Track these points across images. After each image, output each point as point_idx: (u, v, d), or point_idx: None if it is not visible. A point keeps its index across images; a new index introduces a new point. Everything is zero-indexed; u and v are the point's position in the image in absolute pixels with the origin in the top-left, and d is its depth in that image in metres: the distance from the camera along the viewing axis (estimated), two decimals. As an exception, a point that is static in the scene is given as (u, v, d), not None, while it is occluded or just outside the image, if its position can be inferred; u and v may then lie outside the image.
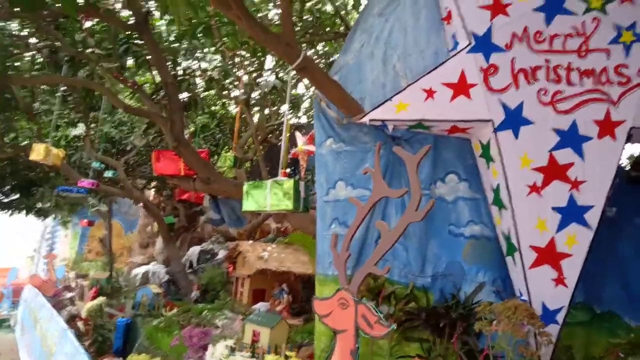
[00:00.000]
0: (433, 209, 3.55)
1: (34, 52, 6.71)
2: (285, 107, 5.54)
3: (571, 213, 3.00)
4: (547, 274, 3.02)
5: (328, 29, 7.78)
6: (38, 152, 6.36)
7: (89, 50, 6.02)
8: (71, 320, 7.64)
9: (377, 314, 2.35)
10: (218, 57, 7.70)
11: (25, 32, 6.49)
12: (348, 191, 3.81)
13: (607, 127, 3.02)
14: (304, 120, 11.00)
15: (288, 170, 9.77)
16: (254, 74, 8.55)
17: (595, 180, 2.98)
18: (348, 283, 2.53)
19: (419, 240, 3.58)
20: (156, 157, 6.12)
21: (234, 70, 8.01)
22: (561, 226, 3.01)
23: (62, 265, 14.14)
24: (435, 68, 3.28)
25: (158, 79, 7.03)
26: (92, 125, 9.38)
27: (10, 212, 10.78)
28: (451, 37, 3.52)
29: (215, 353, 3.75)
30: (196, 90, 6.89)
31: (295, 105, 9.33)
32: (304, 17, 7.43)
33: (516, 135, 3.10)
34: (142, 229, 12.75)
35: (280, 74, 8.38)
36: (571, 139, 3.02)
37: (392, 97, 3.37)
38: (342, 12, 7.49)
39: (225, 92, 8.64)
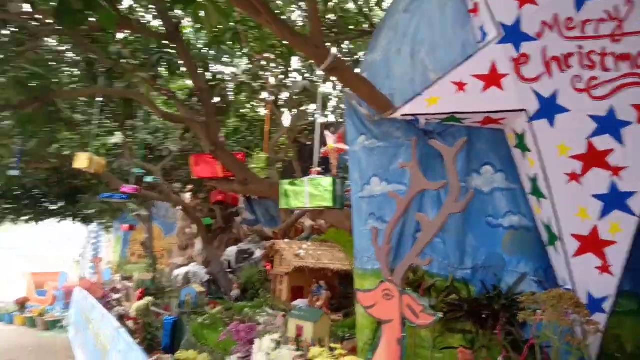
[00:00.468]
0: (470, 201, 3.60)
1: (71, 66, 7.07)
2: (317, 107, 5.63)
3: (613, 200, 2.96)
4: (591, 262, 2.99)
5: (352, 27, 7.81)
6: (82, 161, 6.68)
7: (124, 61, 6.29)
8: (120, 320, 8.00)
9: (422, 303, 2.41)
10: (246, 60, 7.88)
11: (62, 47, 6.85)
12: (383, 186, 3.87)
13: (646, 110, 2.96)
14: (331, 118, 11.09)
15: (319, 168, 9.87)
16: (281, 76, 8.69)
17: (636, 166, 2.92)
18: (390, 275, 2.60)
19: (457, 232, 3.60)
20: (194, 161, 6.35)
21: (261, 73, 8.17)
22: (603, 213, 2.97)
23: (107, 268, 14.77)
24: (465, 60, 3.28)
25: (191, 85, 7.27)
26: (129, 133, 9.76)
27: (58, 219, 11.36)
28: (479, 28, 3.52)
29: (262, 346, 3.90)
30: (228, 95, 7.07)
31: (323, 104, 9.41)
32: (328, 17, 7.50)
33: (552, 123, 3.08)
34: (180, 232, 13.14)
35: (307, 75, 8.48)
36: (609, 124, 2.98)
37: (422, 92, 3.41)
38: (365, 10, 7.51)
39: (254, 95, 8.81)
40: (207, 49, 7.20)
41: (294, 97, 8.08)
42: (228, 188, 6.47)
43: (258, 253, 10.16)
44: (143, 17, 6.44)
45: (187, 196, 12.66)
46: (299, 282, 7.25)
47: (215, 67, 8.18)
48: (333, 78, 7.47)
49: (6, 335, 11.94)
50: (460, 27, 3.72)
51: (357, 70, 4.54)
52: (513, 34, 3.21)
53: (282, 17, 6.95)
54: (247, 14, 4.00)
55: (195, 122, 5.85)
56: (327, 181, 3.70)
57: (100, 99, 8.01)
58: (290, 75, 9.02)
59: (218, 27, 6.17)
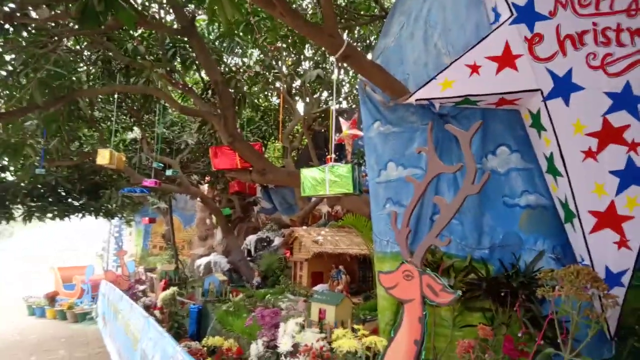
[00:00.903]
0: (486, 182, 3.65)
1: (89, 64, 7.22)
2: (334, 93, 5.66)
3: (630, 175, 2.98)
4: (609, 237, 3.03)
5: (363, 12, 7.80)
6: (103, 157, 6.85)
7: (140, 57, 6.41)
8: (146, 310, 8.26)
9: (442, 282, 2.49)
10: (259, 51, 7.93)
11: (79, 47, 7.00)
12: (399, 171, 3.93)
13: (663, 84, 2.96)
14: (344, 105, 11.11)
15: (334, 155, 9.95)
16: (293, 65, 8.74)
17: (653, 140, 2.93)
18: (410, 256, 2.68)
19: (474, 213, 3.65)
20: (213, 153, 6.48)
21: (274, 63, 8.23)
22: (620, 189, 2.99)
23: (131, 260, 15.16)
24: (478, 43, 3.30)
25: (206, 78, 7.37)
26: (146, 127, 9.95)
27: (81, 215, 11.65)
28: (491, 9, 3.52)
29: (287, 330, 4.04)
30: (243, 86, 7.16)
31: (337, 90, 9.44)
32: (338, 2, 7.49)
33: (567, 102, 3.09)
34: (200, 223, 13.39)
35: (321, 62, 8.51)
36: (625, 100, 2.98)
37: (436, 76, 3.44)
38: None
39: (268, 85, 8.89)
40: (220, 41, 7.29)
41: (307, 85, 8.13)
42: (247, 178, 6.59)
43: (277, 241, 10.34)
44: (157, 12, 6.53)
45: (205, 188, 12.88)
46: (319, 268, 7.39)
47: (229, 60, 8.28)
48: (346, 65, 7.50)
49: (40, 327, 12.42)
50: (473, 8, 3.73)
51: (369, 56, 4.57)
52: (526, 14, 3.21)
53: (294, 6, 6.99)
54: (261, 7, 4.06)
55: (212, 115, 5.96)
56: (346, 168, 3.80)
57: (117, 96, 8.19)
58: (303, 63, 9.06)
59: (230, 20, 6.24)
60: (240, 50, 8.28)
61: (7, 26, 4.58)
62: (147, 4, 6.40)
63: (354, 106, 10.80)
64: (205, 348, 5.33)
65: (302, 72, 8.71)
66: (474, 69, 3.29)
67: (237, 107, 6.84)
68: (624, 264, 2.99)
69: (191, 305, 7.34)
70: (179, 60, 6.81)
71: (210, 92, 7.02)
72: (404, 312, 2.60)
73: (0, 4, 4.21)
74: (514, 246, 3.55)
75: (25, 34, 5.20)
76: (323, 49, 7.78)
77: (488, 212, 3.66)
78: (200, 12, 6.34)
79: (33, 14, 5.00)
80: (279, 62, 8.31)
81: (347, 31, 8.38)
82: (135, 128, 10.52)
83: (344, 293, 5.74)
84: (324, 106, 10.04)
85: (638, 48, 3.00)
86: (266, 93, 10.98)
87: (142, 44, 6.60)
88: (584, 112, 3.06)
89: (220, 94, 5.67)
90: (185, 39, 6.20)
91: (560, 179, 3.19)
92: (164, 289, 8.85)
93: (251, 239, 10.83)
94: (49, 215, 10.81)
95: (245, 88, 7.77)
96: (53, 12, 5.09)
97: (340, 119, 8.59)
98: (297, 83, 9.19)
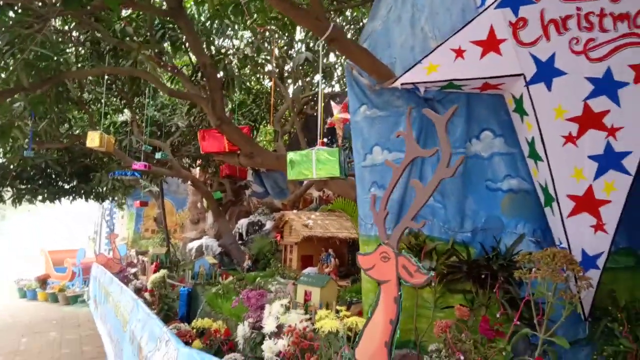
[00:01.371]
0: (469, 166, 3.70)
1: (77, 46, 7.13)
2: (320, 77, 5.64)
3: (608, 160, 3.01)
4: (586, 221, 3.08)
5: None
6: (93, 140, 6.83)
7: (128, 39, 6.34)
8: (137, 293, 8.33)
9: (416, 263, 2.54)
10: (249, 33, 7.85)
11: (66, 27, 6.90)
12: (384, 155, 3.95)
13: (644, 71, 2.97)
14: (337, 89, 11.07)
15: (325, 140, 9.96)
16: (285, 47, 8.67)
17: (632, 126, 2.96)
18: (387, 239, 2.73)
19: (457, 197, 3.70)
20: (201, 136, 6.47)
21: (266, 45, 8.16)
22: (598, 174, 3.03)
23: (122, 244, 15.20)
24: (463, 27, 3.29)
25: (195, 60, 7.30)
26: (137, 110, 9.88)
27: (71, 198, 11.63)
28: (478, -7, 3.51)
29: (272, 311, 4.10)
30: (232, 69, 7.11)
31: (328, 74, 9.40)
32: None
33: (549, 87, 3.11)
34: (192, 206, 13.42)
35: (311, 45, 8.44)
36: (606, 86, 3.00)
37: (421, 60, 3.44)
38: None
39: (258, 68, 8.82)
40: (210, 22, 7.20)
41: (297, 69, 8.09)
42: (235, 162, 6.60)
43: (268, 224, 10.39)
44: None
45: (197, 171, 12.87)
46: (309, 251, 7.46)
47: (218, 42, 8.19)
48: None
49: (32, 310, 12.49)
50: (460, -8, 3.71)
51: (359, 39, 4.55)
52: (511, -2, 3.21)
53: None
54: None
55: (200, 97, 5.93)
56: (332, 151, 3.82)
57: (107, 78, 8.11)
58: (294, 46, 8.99)
59: (220, 1, 6.17)
60: (232, 32, 8.20)
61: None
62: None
63: (346, 90, 10.77)
64: (194, 330, 5.41)
65: (294, 55, 8.66)
66: (459, 53, 3.30)
67: (226, 90, 6.80)
68: (600, 247, 3.05)
69: (181, 288, 7.40)
70: (168, 42, 6.75)
71: (199, 74, 6.97)
72: (380, 292, 2.65)
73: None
74: (496, 230, 3.60)
75: (11, 13, 5.12)
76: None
77: (471, 196, 3.70)
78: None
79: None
80: (271, 45, 8.24)
81: (338, 13, 8.32)
82: (125, 110, 10.45)
83: (331, 275, 5.81)
84: (316, 89, 10.01)
85: (620, 33, 3.01)
86: (258, 76, 10.90)
87: (130, 25, 6.52)
88: (565, 97, 3.08)
89: (208, 76, 5.64)
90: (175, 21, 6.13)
91: (540, 163, 3.23)
92: (155, 272, 8.91)
93: (243, 222, 10.87)
94: (39, 197, 10.79)
95: (235, 71, 7.72)
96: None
97: (332, 103, 8.57)
98: (289, 66, 9.14)
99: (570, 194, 3.09)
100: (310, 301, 4.34)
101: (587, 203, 3.05)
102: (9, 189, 10.29)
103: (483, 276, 3.36)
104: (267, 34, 7.90)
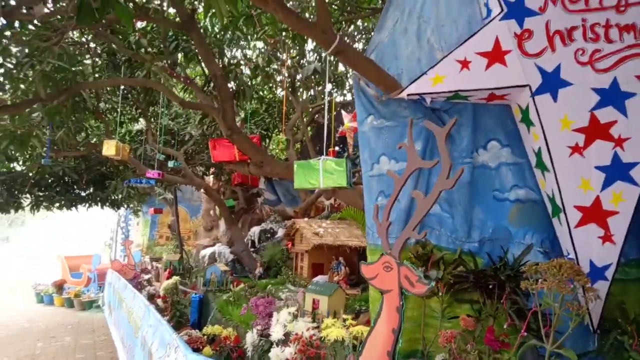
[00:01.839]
0: (476, 176, 3.71)
1: (93, 57, 7.33)
2: (326, 89, 5.70)
3: (616, 171, 3.00)
4: (594, 232, 3.06)
5: (365, 5, 7.80)
6: (109, 148, 7.00)
7: (142, 50, 6.50)
8: (151, 299, 8.44)
9: (418, 273, 2.56)
10: (261, 44, 7.96)
11: (84, 39, 7.11)
12: (391, 165, 3.97)
13: (650, 81, 2.97)
14: (349, 97, 11.12)
15: (336, 148, 10.03)
16: (296, 57, 8.77)
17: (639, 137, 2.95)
18: (390, 249, 2.75)
19: (464, 207, 3.70)
20: (212, 145, 6.57)
21: (278, 55, 8.27)
22: (606, 184, 3.02)
23: (137, 250, 15.41)
24: (468, 39, 3.32)
25: (207, 71, 7.43)
26: (152, 119, 10.07)
27: (87, 205, 11.86)
28: (484, 4, 3.53)
29: (280, 319, 4.13)
30: (243, 79, 7.22)
31: (339, 83, 9.46)
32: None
33: (555, 98, 3.11)
34: (205, 214, 13.56)
35: (323, 54, 8.52)
36: (612, 96, 3.00)
37: (427, 71, 3.47)
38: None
39: (270, 78, 8.94)
40: (222, 33, 7.34)
41: (307, 79, 8.17)
42: (245, 170, 6.69)
43: (280, 232, 10.46)
44: (159, 5, 6.59)
45: (210, 179, 13.03)
46: (319, 259, 7.49)
47: (231, 52, 8.33)
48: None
49: (48, 315, 12.72)
50: (466, 4, 3.74)
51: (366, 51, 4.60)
52: (516, 10, 3.23)
53: (290, 3, 7.02)
54: (254, 3, 4.10)
55: (211, 108, 6.04)
56: (340, 162, 3.87)
57: (123, 88, 8.30)
58: (306, 55, 9.08)
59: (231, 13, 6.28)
60: (245, 43, 8.33)
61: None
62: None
63: (356, 99, 10.79)
64: (205, 336, 5.47)
65: (305, 65, 8.74)
66: (464, 64, 3.32)
67: (237, 100, 6.91)
68: (608, 258, 3.02)
69: (193, 295, 7.49)
70: (181, 53, 6.89)
71: (212, 84, 7.09)
72: (383, 302, 2.67)
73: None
74: (503, 240, 3.59)
75: (31, 26, 5.31)
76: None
77: (478, 206, 3.71)
78: (200, 6, 6.38)
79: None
80: (283, 55, 8.34)
81: (349, 23, 8.39)
82: (140, 119, 10.66)
83: (340, 284, 5.83)
84: (328, 98, 10.07)
85: (626, 44, 3.01)
86: (270, 85, 11.02)
87: (144, 37, 6.68)
88: (571, 107, 3.09)
89: (219, 87, 5.74)
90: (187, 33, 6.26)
91: (547, 173, 3.22)
92: (168, 278, 9.02)
93: (255, 230, 10.96)
94: (57, 204, 11.03)
95: (247, 81, 7.83)
96: (52, 8, 5.17)
97: (343, 112, 8.62)
98: (300, 76, 9.23)
99: (577, 204, 3.07)
100: (318, 309, 4.36)
101: (594, 214, 3.03)
102: (27, 195, 10.54)
103: (490, 286, 3.35)
104: (279, 44, 8.01)
